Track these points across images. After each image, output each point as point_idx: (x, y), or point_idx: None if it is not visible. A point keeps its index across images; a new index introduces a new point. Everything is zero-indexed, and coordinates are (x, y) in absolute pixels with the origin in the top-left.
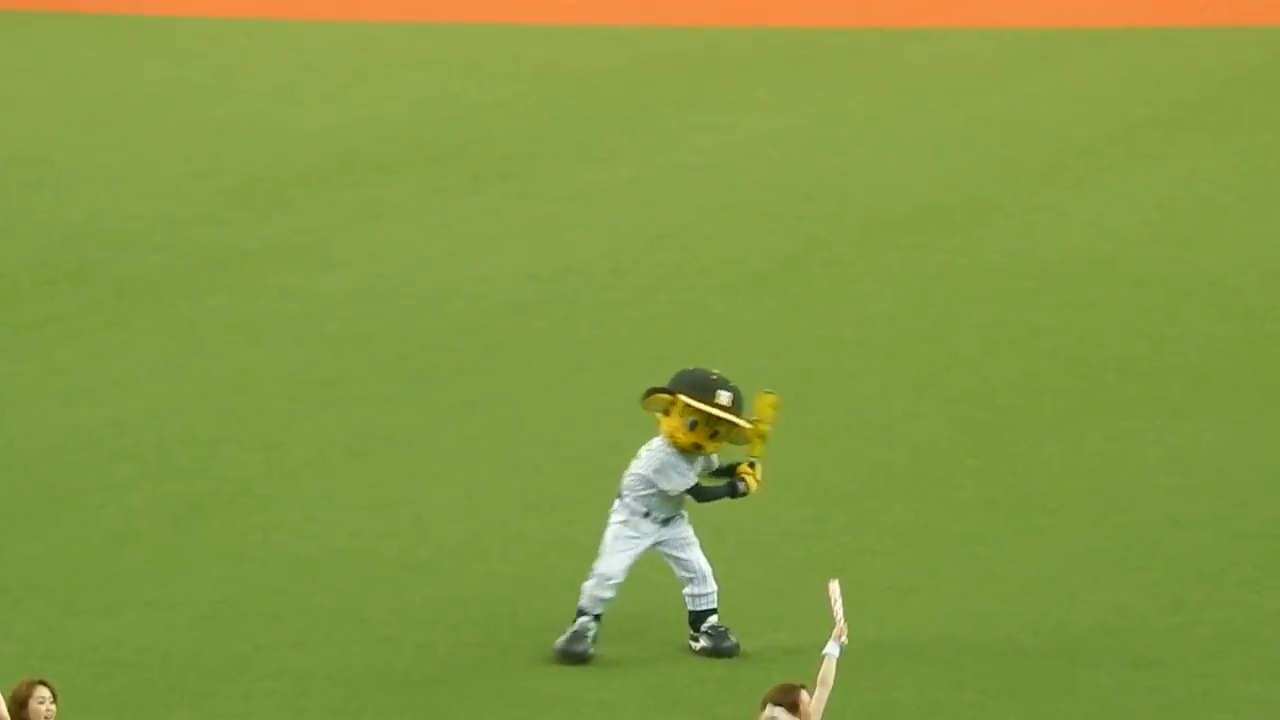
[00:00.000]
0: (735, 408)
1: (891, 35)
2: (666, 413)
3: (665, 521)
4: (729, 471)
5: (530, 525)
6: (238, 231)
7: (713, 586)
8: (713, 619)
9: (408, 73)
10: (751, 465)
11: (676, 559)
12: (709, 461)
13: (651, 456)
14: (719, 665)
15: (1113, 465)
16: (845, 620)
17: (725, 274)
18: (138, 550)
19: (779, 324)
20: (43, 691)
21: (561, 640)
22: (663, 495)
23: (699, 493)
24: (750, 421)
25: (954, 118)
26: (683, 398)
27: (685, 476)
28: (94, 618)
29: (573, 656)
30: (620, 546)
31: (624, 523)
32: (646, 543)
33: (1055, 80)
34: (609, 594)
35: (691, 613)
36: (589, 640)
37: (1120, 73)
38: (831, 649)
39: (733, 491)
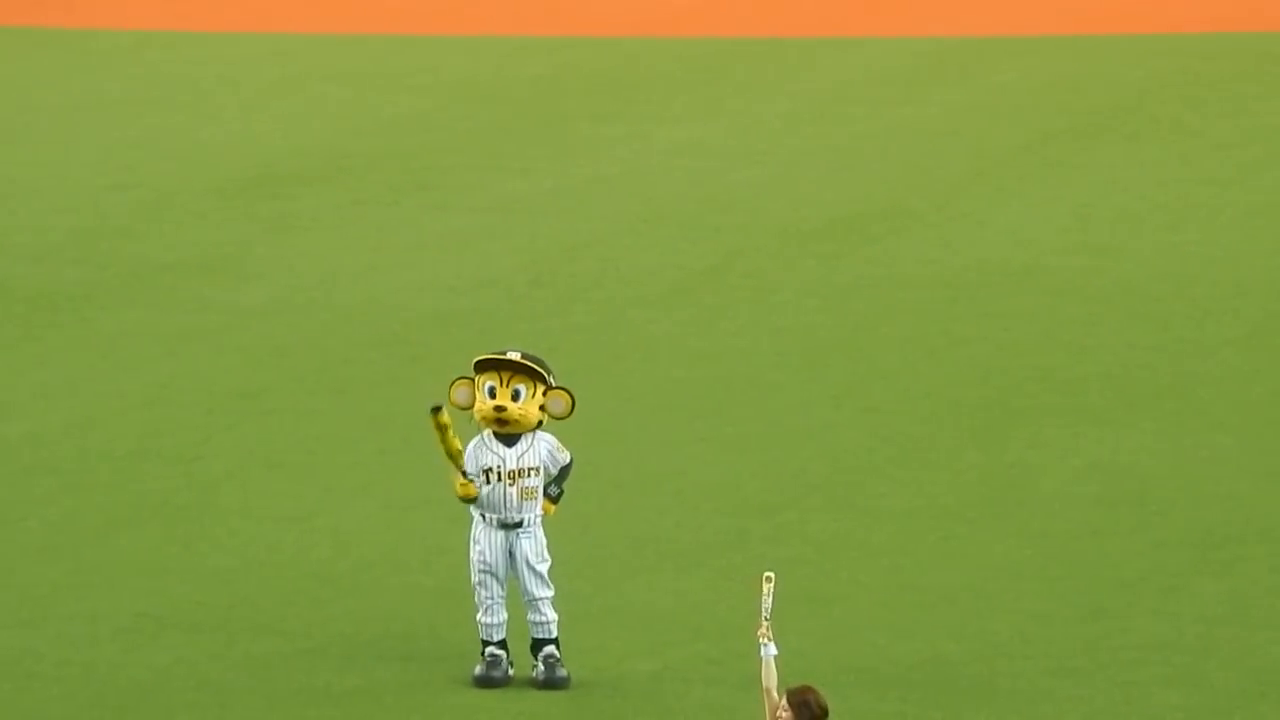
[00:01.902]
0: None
1: (807, 45)
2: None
3: (506, 525)
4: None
5: (450, 538)
6: (155, 245)
7: (550, 615)
8: (549, 648)
9: (325, 85)
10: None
11: (523, 582)
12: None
13: None
14: (642, 678)
15: (1032, 474)
16: (769, 618)
17: (643, 285)
18: (58, 563)
19: (697, 334)
20: None
21: (479, 668)
22: (484, 491)
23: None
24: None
25: (870, 128)
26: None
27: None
28: (14, 630)
29: (491, 682)
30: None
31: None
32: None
33: (971, 90)
34: (491, 618)
35: (532, 640)
36: (503, 666)
37: (1036, 82)
38: (771, 648)
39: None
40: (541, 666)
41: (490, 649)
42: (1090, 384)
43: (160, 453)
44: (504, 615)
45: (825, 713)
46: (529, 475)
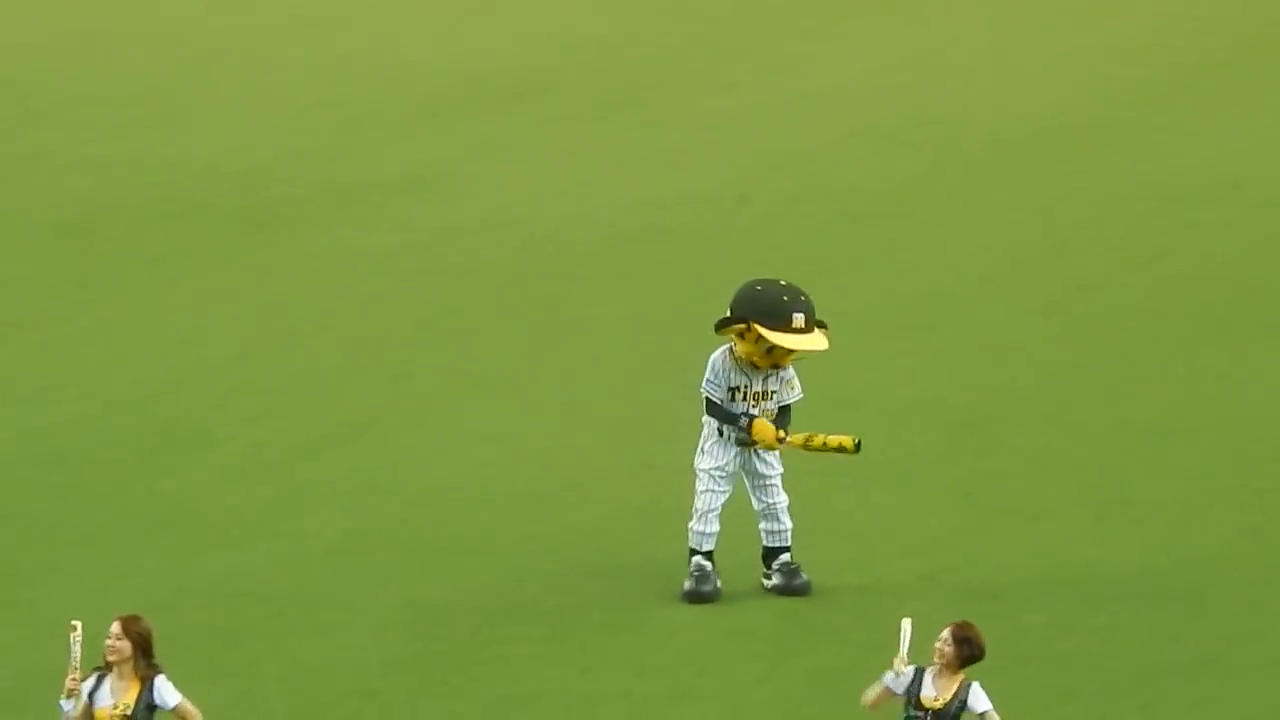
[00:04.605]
0: (808, 324)
1: None
2: (742, 336)
3: (743, 443)
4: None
5: (659, 454)
6: (360, 164)
7: (786, 524)
8: (784, 556)
9: (528, 3)
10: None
11: (754, 490)
12: (782, 375)
13: (709, 365)
14: (852, 593)
15: (1238, 388)
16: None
17: (849, 200)
18: (267, 482)
19: (903, 249)
20: (113, 626)
21: (688, 584)
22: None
23: (709, 404)
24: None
25: (1076, 40)
26: (757, 327)
27: (716, 385)
28: (224, 550)
29: (701, 597)
30: (703, 481)
31: (703, 452)
32: (729, 467)
33: (1176, 2)
34: (708, 528)
35: (764, 548)
36: (711, 579)
37: None
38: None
39: (735, 424)
40: (781, 574)
41: (698, 559)
42: None
43: (368, 371)
44: (719, 527)
45: (983, 653)
46: (770, 398)
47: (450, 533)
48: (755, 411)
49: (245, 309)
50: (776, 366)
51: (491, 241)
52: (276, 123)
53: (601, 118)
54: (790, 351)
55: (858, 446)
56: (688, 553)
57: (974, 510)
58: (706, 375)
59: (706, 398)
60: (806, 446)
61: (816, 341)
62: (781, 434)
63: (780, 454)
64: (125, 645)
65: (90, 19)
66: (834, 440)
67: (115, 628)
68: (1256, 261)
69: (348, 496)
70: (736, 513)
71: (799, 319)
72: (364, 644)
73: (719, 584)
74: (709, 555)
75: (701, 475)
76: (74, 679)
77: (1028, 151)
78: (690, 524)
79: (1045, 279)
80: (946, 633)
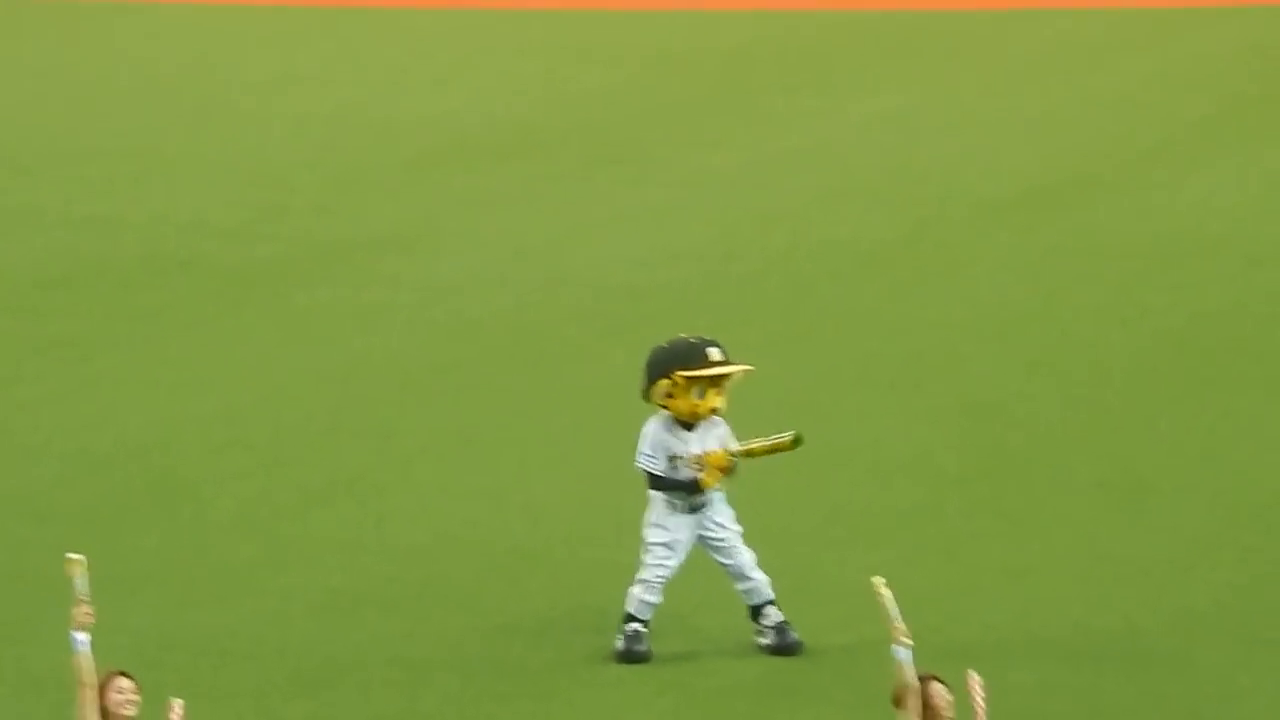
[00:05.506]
0: (725, 358)
1: (1000, 17)
2: (671, 395)
3: (694, 508)
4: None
5: (644, 511)
6: (347, 220)
7: (758, 578)
8: (770, 609)
9: (517, 59)
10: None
11: (716, 555)
12: (716, 431)
13: (642, 438)
14: (837, 652)
15: (1226, 444)
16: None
17: (836, 257)
18: (252, 540)
19: (889, 306)
20: (121, 682)
21: (620, 643)
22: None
23: (651, 478)
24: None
25: (1063, 98)
26: (680, 373)
27: (653, 457)
28: (209, 608)
29: (636, 657)
30: (654, 554)
31: (653, 525)
32: (681, 537)
33: (1164, 59)
34: (653, 598)
35: (748, 607)
36: (645, 640)
37: (1227, 50)
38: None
39: (685, 488)
40: (772, 632)
41: (634, 625)
42: None
43: (353, 429)
44: (662, 600)
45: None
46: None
47: (437, 590)
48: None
49: (231, 366)
50: (711, 419)
51: (478, 298)
52: (262, 179)
53: (588, 175)
54: (719, 387)
55: (796, 441)
56: (624, 616)
57: (958, 569)
58: (642, 449)
59: (647, 472)
60: (750, 454)
61: (739, 365)
62: (729, 449)
63: (736, 515)
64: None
65: (76, 75)
66: (771, 442)
67: (130, 684)
68: (1243, 319)
69: (334, 554)
70: (711, 570)
71: (714, 353)
72: (351, 702)
73: (650, 646)
74: (645, 623)
75: (653, 548)
76: (86, 610)
77: (1014, 209)
78: (633, 589)
79: (1031, 336)
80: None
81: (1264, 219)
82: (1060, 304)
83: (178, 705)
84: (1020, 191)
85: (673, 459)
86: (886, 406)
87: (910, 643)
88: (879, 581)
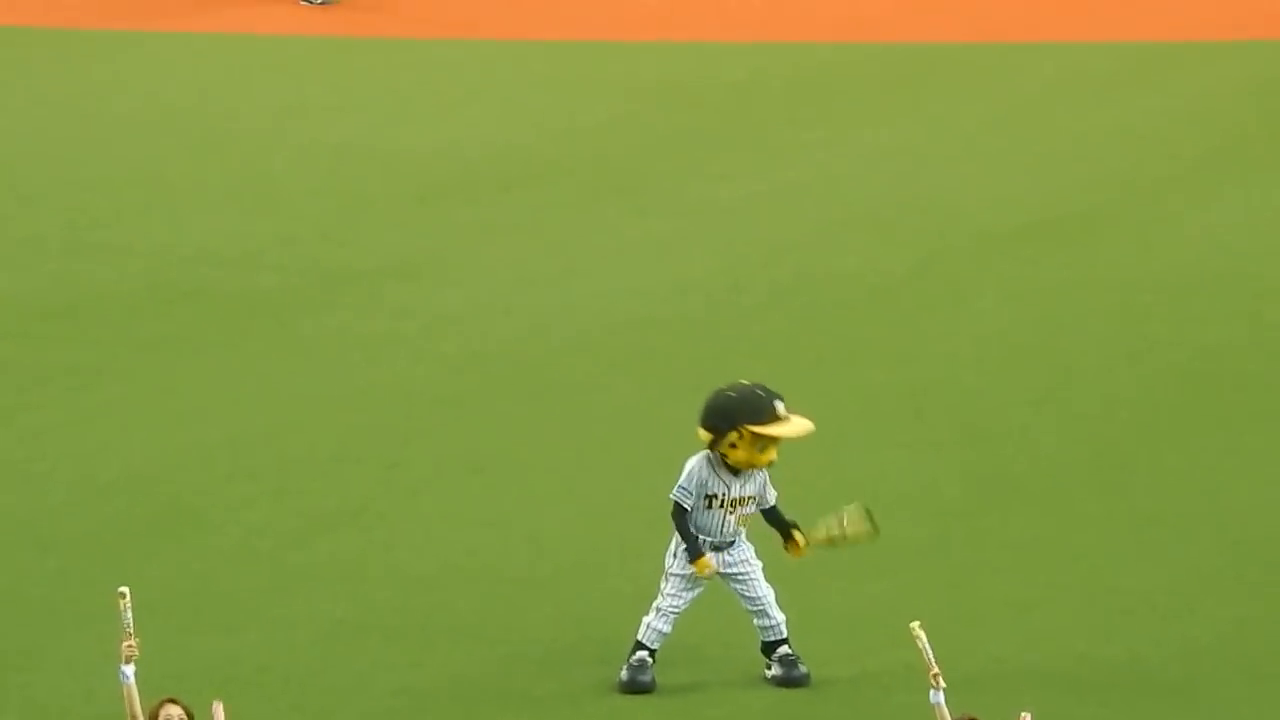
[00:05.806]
0: (787, 410)
1: (1005, 50)
2: (735, 446)
3: (718, 548)
4: (784, 528)
5: (649, 542)
6: (353, 249)
7: (777, 617)
8: (783, 649)
9: (523, 90)
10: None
11: (736, 589)
12: (756, 477)
13: (685, 471)
14: (842, 684)
15: (1231, 479)
16: (936, 662)
17: (841, 289)
18: (257, 568)
19: (895, 338)
20: (171, 710)
21: (625, 673)
22: (703, 515)
23: (676, 509)
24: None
25: (1068, 131)
26: (751, 428)
27: (687, 492)
28: (214, 636)
29: (640, 687)
30: (672, 584)
31: (675, 555)
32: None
33: (1170, 94)
34: (665, 627)
35: (761, 642)
36: (649, 670)
37: (1233, 85)
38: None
39: (692, 545)
40: (779, 665)
41: (643, 653)
42: None
43: (359, 458)
44: (672, 630)
45: None
46: (747, 504)
47: (442, 619)
48: (731, 519)
49: (236, 395)
50: (753, 468)
51: (483, 329)
52: (268, 209)
53: (594, 206)
54: (778, 441)
55: (872, 533)
56: (633, 644)
57: (964, 601)
58: (680, 481)
59: (676, 503)
60: (831, 543)
61: (804, 423)
62: (801, 539)
63: (755, 548)
64: None
65: (82, 104)
66: (851, 532)
67: (179, 710)
68: (1249, 353)
69: (340, 582)
70: (725, 601)
71: (780, 406)
72: None
73: (654, 676)
74: (652, 653)
75: (673, 578)
76: (130, 644)
77: (1019, 241)
78: (647, 618)
79: (1036, 369)
80: None
81: (1269, 253)
82: (1065, 337)
83: (219, 708)
84: (1025, 224)
85: (709, 498)
86: (891, 438)
87: (944, 685)
88: (915, 625)
